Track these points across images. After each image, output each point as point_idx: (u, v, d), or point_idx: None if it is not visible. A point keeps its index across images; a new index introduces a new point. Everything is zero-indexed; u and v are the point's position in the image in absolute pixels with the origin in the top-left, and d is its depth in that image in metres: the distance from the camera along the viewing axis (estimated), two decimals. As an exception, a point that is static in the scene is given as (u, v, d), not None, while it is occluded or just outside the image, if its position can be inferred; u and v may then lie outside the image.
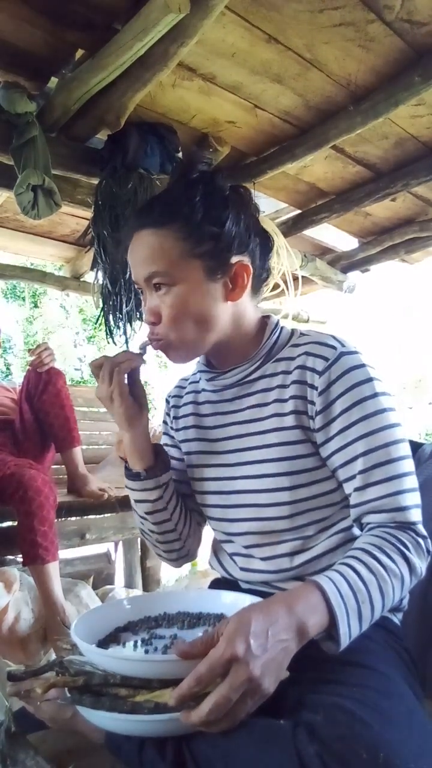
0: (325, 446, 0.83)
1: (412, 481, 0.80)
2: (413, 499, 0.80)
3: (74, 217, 2.88)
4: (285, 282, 2.91)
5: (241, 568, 0.92)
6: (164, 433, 1.07)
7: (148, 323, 0.88)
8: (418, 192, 2.66)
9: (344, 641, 0.67)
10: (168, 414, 1.07)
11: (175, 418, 1.04)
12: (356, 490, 0.80)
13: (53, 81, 1.85)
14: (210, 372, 0.94)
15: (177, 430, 1.03)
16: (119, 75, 1.67)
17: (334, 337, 0.86)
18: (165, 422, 1.08)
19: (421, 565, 0.76)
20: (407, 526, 0.78)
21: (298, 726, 0.59)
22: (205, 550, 1.06)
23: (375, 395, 0.81)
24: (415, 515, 0.79)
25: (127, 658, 0.69)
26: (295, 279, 2.96)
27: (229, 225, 0.85)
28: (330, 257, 3.42)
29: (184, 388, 1.05)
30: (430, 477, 1.37)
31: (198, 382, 1.01)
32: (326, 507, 0.86)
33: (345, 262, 3.41)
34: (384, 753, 0.54)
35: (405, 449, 0.81)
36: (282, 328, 0.93)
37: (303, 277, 3.12)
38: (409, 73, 1.78)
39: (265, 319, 0.94)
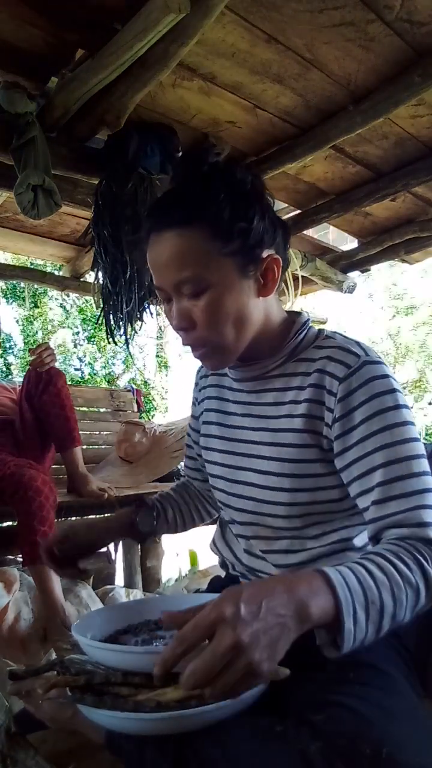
0: (343, 456, 0.80)
1: None
2: None
3: (74, 217, 2.89)
4: (285, 282, 2.92)
5: (245, 550, 0.93)
6: (192, 416, 1.09)
7: (179, 329, 0.83)
8: (418, 192, 2.66)
9: (348, 641, 0.60)
10: (194, 396, 1.07)
11: (199, 400, 1.05)
12: (374, 503, 0.76)
13: (53, 81, 1.85)
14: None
15: (199, 413, 1.04)
16: (119, 75, 1.67)
17: (358, 344, 0.83)
18: (193, 404, 1.08)
19: None
20: (429, 543, 0.72)
21: (301, 725, 0.59)
22: (204, 550, 1.07)
23: (397, 407, 0.77)
24: None
25: (128, 651, 0.69)
26: (295, 279, 2.96)
27: (257, 218, 0.81)
28: (330, 257, 3.42)
29: None
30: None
31: None
32: (327, 513, 0.84)
33: (345, 262, 3.41)
34: (387, 749, 0.54)
35: (426, 465, 0.77)
36: (309, 327, 0.90)
37: (303, 277, 3.12)
38: (409, 73, 1.78)
39: (293, 316, 0.91)
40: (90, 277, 3.24)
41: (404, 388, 11.51)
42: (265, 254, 0.82)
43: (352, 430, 0.78)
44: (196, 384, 1.08)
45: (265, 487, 0.86)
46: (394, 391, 0.78)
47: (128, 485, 2.36)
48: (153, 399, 10.64)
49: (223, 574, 1.04)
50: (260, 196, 0.84)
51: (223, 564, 1.01)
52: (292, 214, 2.91)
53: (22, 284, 9.00)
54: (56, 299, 10.31)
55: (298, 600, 0.58)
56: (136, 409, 3.10)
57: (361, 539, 0.86)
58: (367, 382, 0.78)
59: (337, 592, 0.60)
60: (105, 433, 2.86)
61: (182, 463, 1.19)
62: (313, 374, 0.83)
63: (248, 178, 0.83)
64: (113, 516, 1.08)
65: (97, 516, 2.17)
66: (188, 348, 0.86)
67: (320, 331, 0.89)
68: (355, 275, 3.58)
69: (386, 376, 0.79)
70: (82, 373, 10.44)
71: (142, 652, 0.69)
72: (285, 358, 0.88)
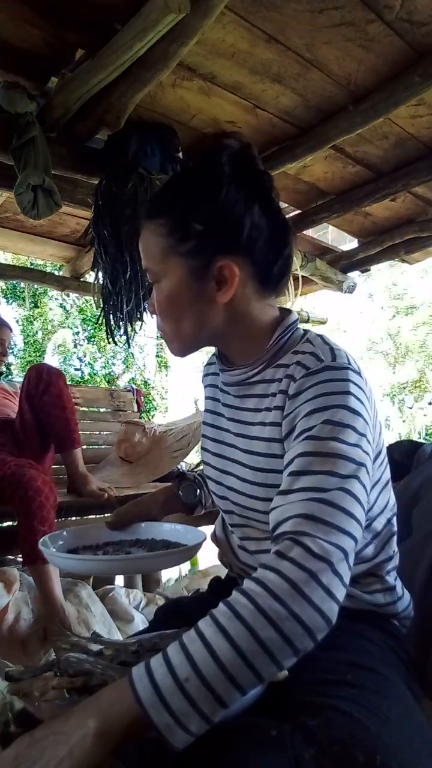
0: (286, 456, 0.74)
1: (351, 506, 0.65)
2: (343, 522, 0.63)
3: (74, 217, 2.89)
4: (285, 282, 2.91)
5: (239, 546, 0.93)
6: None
7: (149, 313, 0.90)
8: (418, 192, 2.66)
9: (174, 735, 0.55)
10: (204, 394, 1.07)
11: (204, 398, 1.04)
12: (280, 493, 0.69)
13: (53, 81, 1.85)
14: (219, 363, 0.93)
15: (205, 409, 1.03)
16: (119, 75, 1.67)
17: (331, 350, 0.77)
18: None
19: (279, 610, 0.57)
20: (299, 542, 0.61)
21: (296, 730, 0.59)
22: (204, 550, 1.07)
23: (345, 407, 0.70)
24: (331, 534, 0.62)
25: (92, 559, 0.73)
26: (295, 279, 2.96)
27: (217, 222, 0.76)
28: (330, 257, 3.42)
29: (213, 364, 1.01)
30: (430, 477, 1.37)
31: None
32: None
33: (345, 262, 3.42)
34: (381, 756, 0.54)
35: (357, 472, 0.67)
36: (294, 330, 0.85)
37: (303, 277, 3.12)
38: (409, 73, 1.78)
39: (283, 314, 0.87)
40: (90, 277, 3.24)
41: (404, 388, 11.50)
42: (220, 262, 0.77)
43: (295, 426, 0.74)
44: (202, 382, 1.07)
45: (243, 494, 0.85)
46: (347, 393, 0.72)
47: (128, 485, 2.36)
48: (153, 399, 10.64)
49: (223, 574, 1.04)
50: (244, 197, 0.78)
51: (222, 559, 1.01)
52: (292, 214, 2.91)
53: (22, 284, 9.01)
54: (56, 299, 10.31)
55: (93, 719, 0.55)
56: (136, 409, 3.10)
57: None
58: (322, 382, 0.74)
59: (137, 690, 0.55)
60: (105, 433, 2.86)
61: (182, 464, 1.18)
62: (284, 380, 0.79)
63: (227, 174, 0.77)
64: (156, 491, 1.10)
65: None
66: None
67: (305, 332, 0.85)
68: (355, 275, 3.58)
69: (346, 380, 0.73)
70: (82, 373, 10.43)
71: (107, 560, 0.72)
72: (265, 364, 0.84)
